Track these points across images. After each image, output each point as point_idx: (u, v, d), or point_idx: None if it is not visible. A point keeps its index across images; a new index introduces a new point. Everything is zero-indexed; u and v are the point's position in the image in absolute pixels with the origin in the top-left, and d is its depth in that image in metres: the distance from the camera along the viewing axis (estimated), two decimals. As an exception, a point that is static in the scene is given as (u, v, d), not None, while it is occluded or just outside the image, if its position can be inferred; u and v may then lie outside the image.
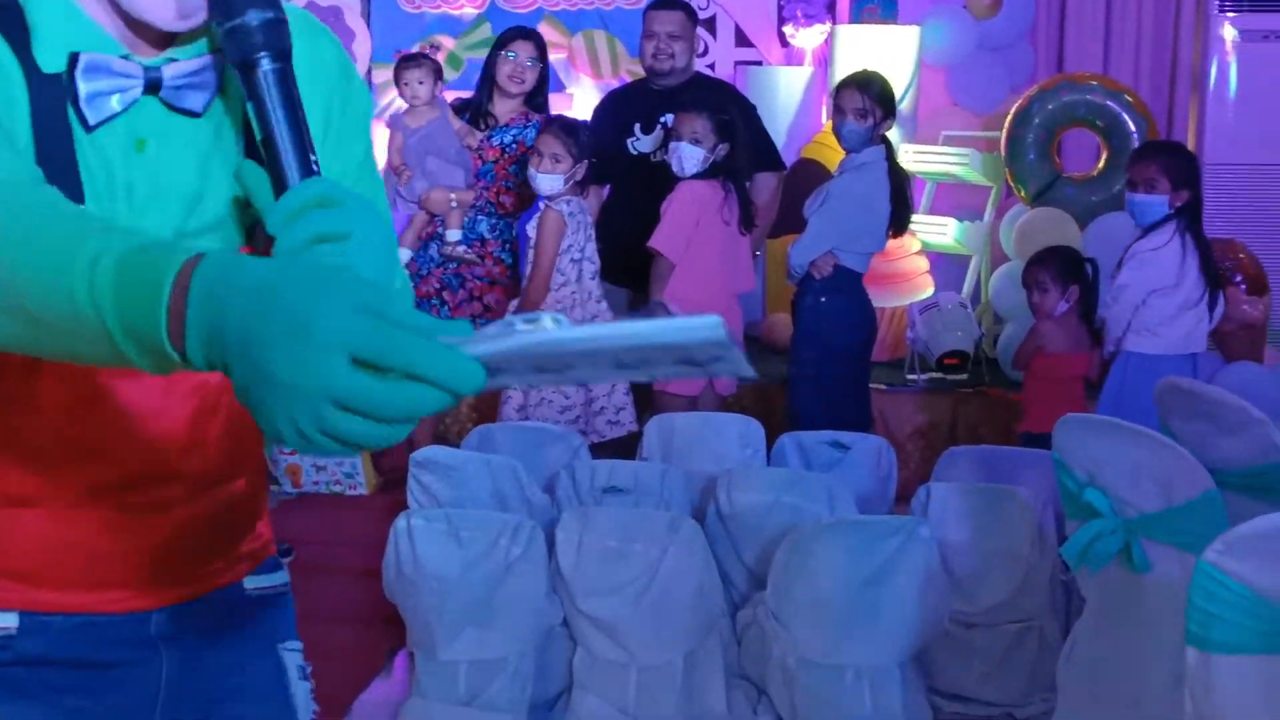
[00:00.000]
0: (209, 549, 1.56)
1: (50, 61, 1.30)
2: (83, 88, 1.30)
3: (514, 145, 5.81)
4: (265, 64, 1.27)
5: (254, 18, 1.26)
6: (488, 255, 5.85)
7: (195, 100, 1.35)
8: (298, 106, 1.29)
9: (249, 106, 1.30)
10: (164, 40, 1.35)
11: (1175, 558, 2.85)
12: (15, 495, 1.41)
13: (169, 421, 1.43)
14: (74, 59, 1.30)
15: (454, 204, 5.77)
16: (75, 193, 1.29)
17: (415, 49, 6.10)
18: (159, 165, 1.36)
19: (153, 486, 1.45)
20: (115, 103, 1.31)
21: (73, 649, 1.47)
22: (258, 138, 1.30)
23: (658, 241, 5.28)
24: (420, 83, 5.86)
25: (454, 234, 5.80)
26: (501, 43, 5.85)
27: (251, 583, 1.64)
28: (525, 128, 5.77)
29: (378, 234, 1.19)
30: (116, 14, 1.33)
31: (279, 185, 1.27)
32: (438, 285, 5.83)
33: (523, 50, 5.79)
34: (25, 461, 1.39)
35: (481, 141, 5.84)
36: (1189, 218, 4.89)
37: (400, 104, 6.27)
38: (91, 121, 1.31)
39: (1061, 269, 5.13)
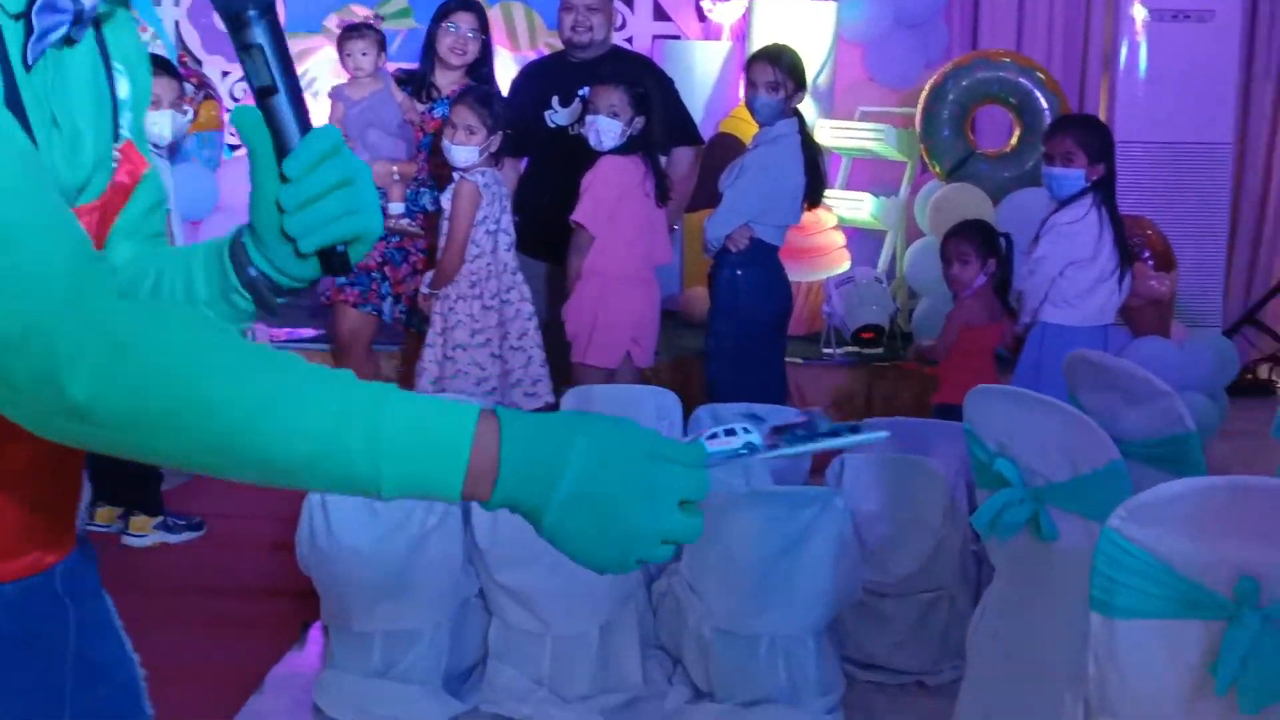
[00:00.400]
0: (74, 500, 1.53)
1: (14, 2, 1.26)
2: (36, 25, 1.26)
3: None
4: (255, 16, 1.30)
5: None
6: (431, 228, 5.82)
7: (80, 31, 1.32)
8: (288, 56, 1.33)
9: (241, 58, 1.32)
10: None
11: (1081, 526, 2.90)
12: None
13: None
14: None
15: (396, 176, 5.72)
16: (28, 134, 1.26)
17: (361, 19, 6.00)
18: (67, 98, 1.33)
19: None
20: (51, 39, 1.28)
21: (19, 607, 1.42)
22: (254, 87, 1.33)
23: (580, 215, 5.28)
24: (364, 54, 5.76)
25: (397, 207, 5.74)
26: (442, 14, 5.77)
27: None
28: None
29: (368, 177, 1.34)
30: None
31: (277, 133, 1.33)
32: (379, 259, 5.76)
33: (464, 22, 5.74)
34: None
35: (423, 114, 5.78)
36: (1104, 192, 4.96)
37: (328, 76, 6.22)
38: (30, 60, 1.27)
39: (982, 242, 5.19)
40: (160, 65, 5.21)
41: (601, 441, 1.20)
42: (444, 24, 5.75)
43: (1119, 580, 2.37)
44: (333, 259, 1.39)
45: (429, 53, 5.83)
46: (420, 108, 5.79)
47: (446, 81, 5.82)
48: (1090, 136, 4.98)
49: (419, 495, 1.19)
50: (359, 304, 5.74)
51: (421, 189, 5.80)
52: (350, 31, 5.85)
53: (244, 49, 1.32)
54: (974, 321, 5.19)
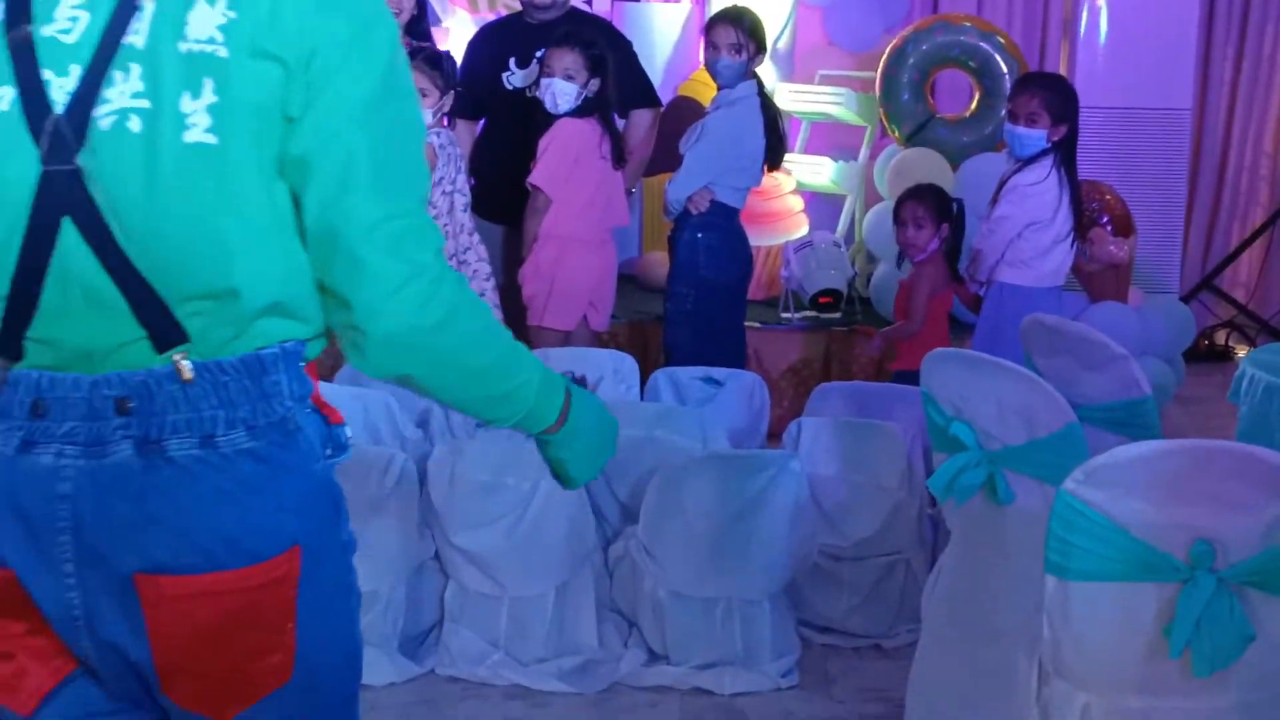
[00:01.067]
0: None
1: None
2: None
3: None
4: None
5: None
6: None
7: None
8: None
9: None
10: None
11: (1037, 489, 2.90)
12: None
13: None
14: None
15: None
16: None
17: None
18: None
19: None
20: None
21: None
22: None
23: (538, 178, 5.24)
24: None
25: None
26: None
27: None
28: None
29: None
30: None
31: None
32: None
33: None
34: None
35: None
36: (1064, 153, 4.95)
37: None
38: None
39: (936, 206, 5.18)
40: None
41: (604, 421, 1.98)
42: None
43: (1074, 543, 2.38)
44: None
45: None
46: None
47: None
48: (1056, 97, 4.96)
49: (529, 425, 1.87)
50: None
51: None
52: None
53: None
54: (936, 288, 5.18)
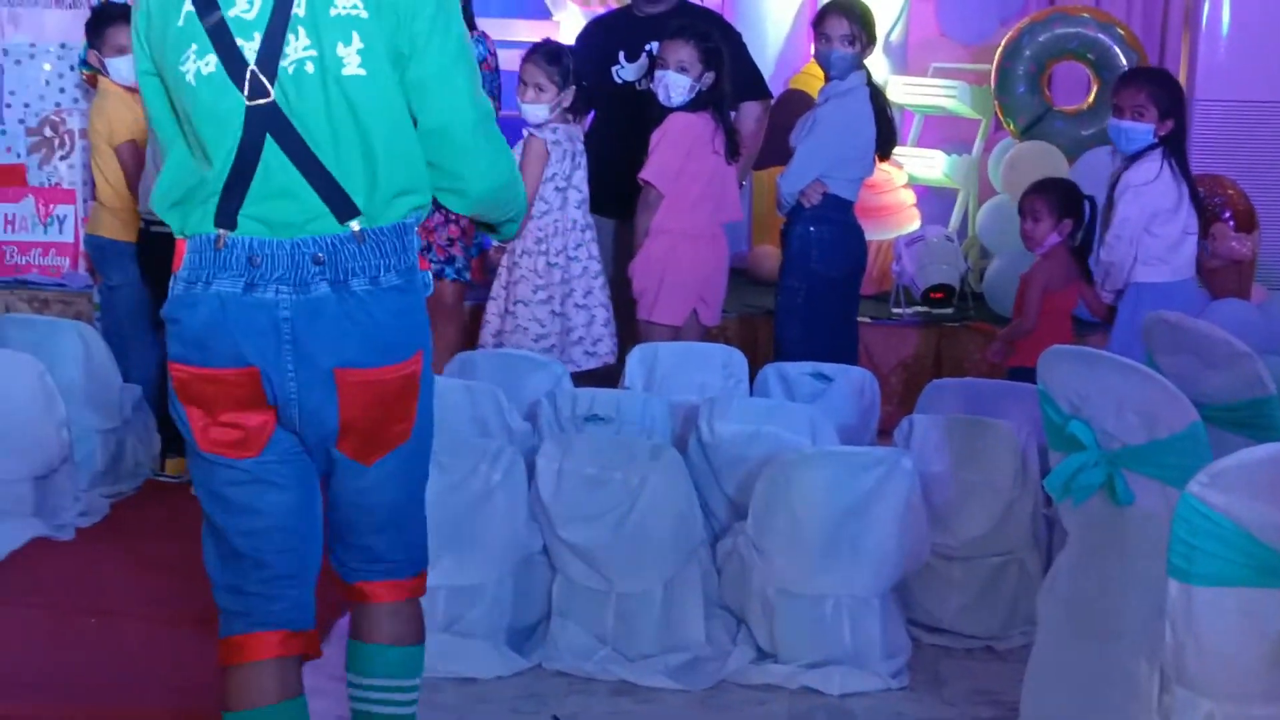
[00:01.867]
0: None
1: None
2: None
3: None
4: None
5: None
6: None
7: None
8: None
9: None
10: None
11: (1158, 490, 2.83)
12: None
13: None
14: None
15: None
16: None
17: None
18: None
19: None
20: None
21: None
22: None
23: (649, 173, 5.22)
24: None
25: None
26: None
27: None
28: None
29: None
30: None
31: None
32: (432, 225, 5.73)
33: None
34: None
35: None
36: (1173, 147, 4.84)
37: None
38: None
39: (1058, 200, 5.07)
40: None
41: None
42: None
43: (1198, 547, 2.32)
44: None
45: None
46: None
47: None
48: (1161, 90, 4.85)
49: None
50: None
51: None
52: None
53: None
54: (1051, 284, 5.08)
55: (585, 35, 6.19)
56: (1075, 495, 3.02)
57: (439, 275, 5.73)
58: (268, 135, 2.41)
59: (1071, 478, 3.00)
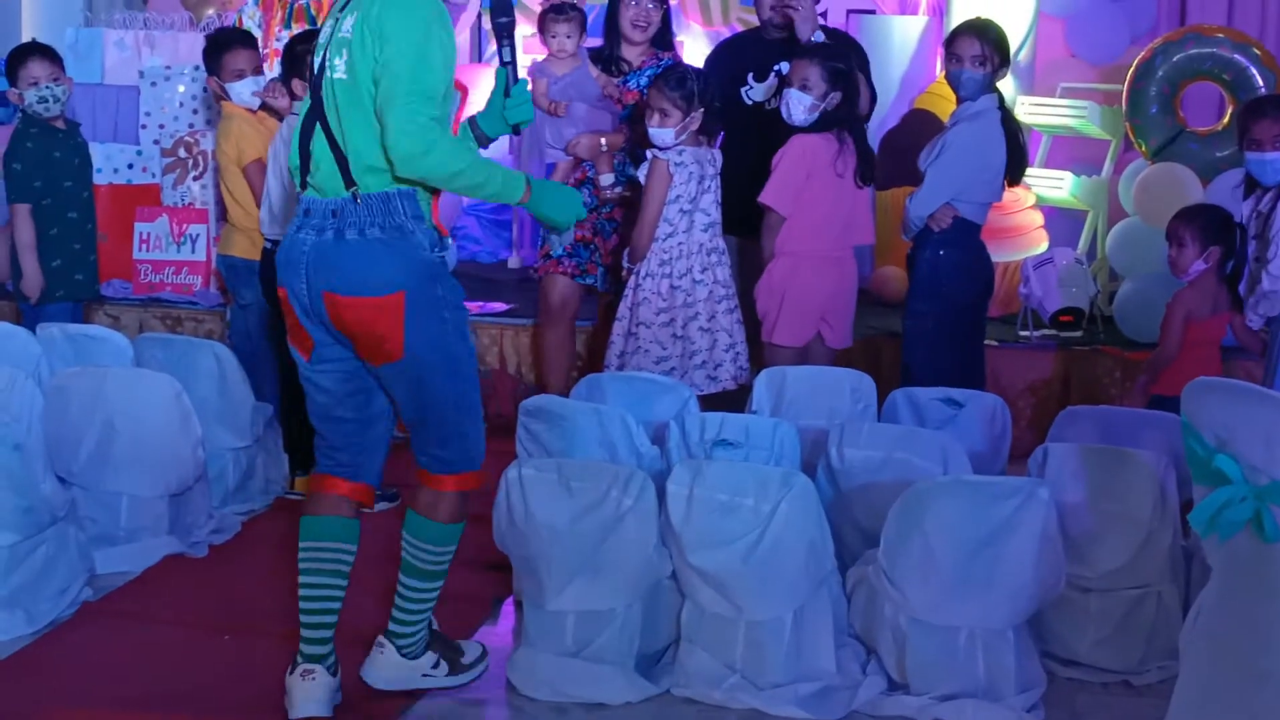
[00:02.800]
0: None
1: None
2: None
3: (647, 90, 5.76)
4: (505, 25, 3.71)
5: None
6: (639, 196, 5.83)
7: None
8: (514, 41, 3.71)
9: (499, 40, 3.73)
10: None
11: (1309, 528, 2.77)
12: (440, 197, 3.64)
13: None
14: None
15: (604, 147, 5.76)
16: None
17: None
18: None
19: None
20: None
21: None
22: (501, 59, 3.71)
23: (767, 196, 5.22)
24: (568, 36, 5.81)
25: (608, 177, 5.78)
26: None
27: None
28: (658, 69, 5.68)
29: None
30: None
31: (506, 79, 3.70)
32: (591, 231, 5.81)
33: None
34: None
35: (619, 87, 5.79)
36: None
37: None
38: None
39: (1204, 228, 4.95)
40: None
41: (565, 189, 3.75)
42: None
43: (1354, 589, 2.25)
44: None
45: (612, 27, 5.84)
46: (614, 81, 5.79)
47: (634, 54, 5.81)
48: None
49: (503, 200, 3.63)
50: (576, 275, 5.82)
51: (625, 157, 5.81)
52: (554, 13, 5.86)
53: (499, 39, 3.71)
54: (1196, 313, 4.97)
55: (715, 56, 6.21)
56: (1221, 531, 2.95)
57: (607, 290, 5.77)
58: (317, 123, 3.49)
59: (1218, 513, 2.94)
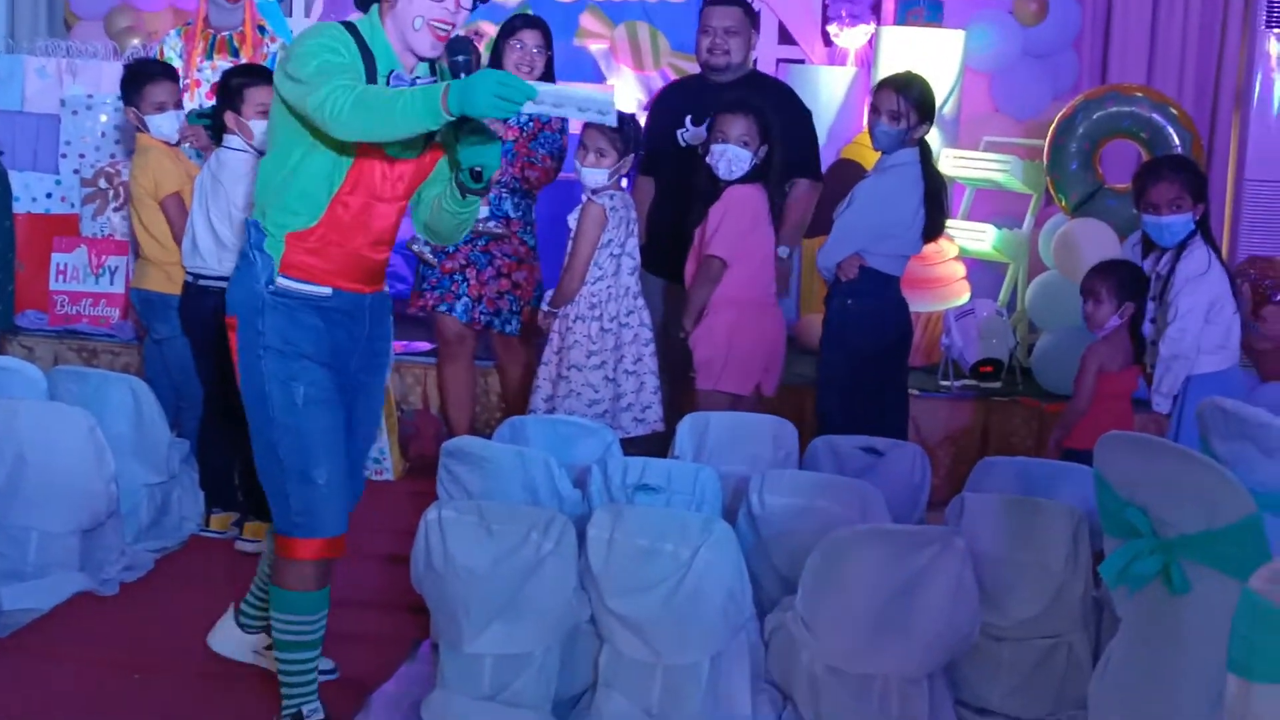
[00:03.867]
0: (382, 274, 3.62)
1: (380, 77, 3.35)
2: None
3: (530, 124, 5.81)
4: (465, 61, 3.35)
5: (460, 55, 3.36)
6: (513, 234, 5.87)
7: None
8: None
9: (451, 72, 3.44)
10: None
11: (1216, 581, 2.81)
12: (336, 242, 3.42)
13: (389, 221, 3.51)
14: (389, 75, 3.35)
15: None
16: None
17: (461, 32, 6.11)
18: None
19: (380, 245, 3.53)
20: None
21: (344, 304, 3.49)
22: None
23: (719, 249, 5.20)
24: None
25: (482, 210, 5.82)
26: (508, 31, 5.88)
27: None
28: None
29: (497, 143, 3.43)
30: (406, 53, 3.39)
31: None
32: (464, 262, 5.88)
33: (529, 39, 5.80)
34: (341, 231, 3.41)
35: (502, 123, 5.83)
36: (1204, 231, 4.85)
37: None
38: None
39: (1120, 283, 5.03)
40: (269, 75, 5.29)
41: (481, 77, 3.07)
42: (511, 40, 5.83)
43: (1259, 643, 2.29)
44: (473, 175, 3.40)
45: (496, 66, 5.86)
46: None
47: None
48: (1192, 177, 4.85)
49: (435, 118, 3.10)
50: (436, 305, 5.92)
51: (504, 194, 5.88)
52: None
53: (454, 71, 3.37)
54: (1108, 366, 5.05)
55: (659, 98, 6.28)
56: (1131, 583, 3.00)
57: (487, 325, 5.85)
58: None
59: (1127, 565, 2.98)
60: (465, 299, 5.91)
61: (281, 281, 3.41)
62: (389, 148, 3.35)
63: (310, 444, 3.44)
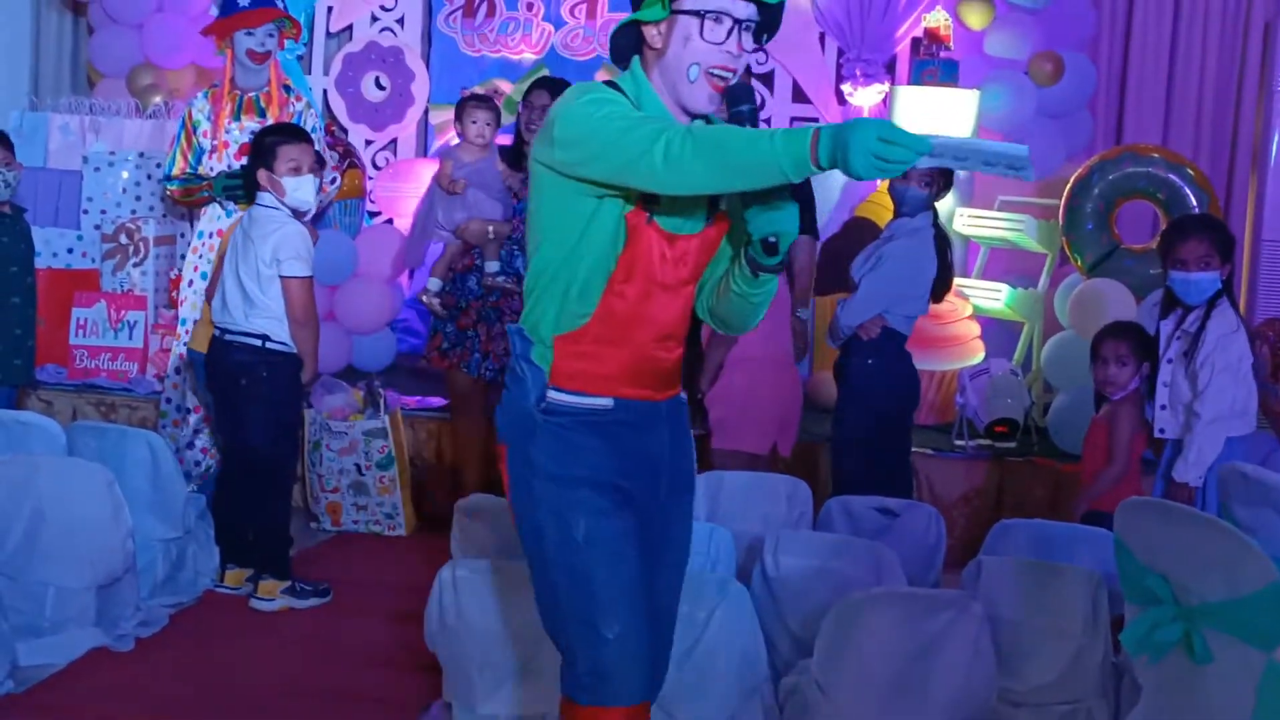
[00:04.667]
0: (675, 376, 2.99)
1: None
2: None
3: None
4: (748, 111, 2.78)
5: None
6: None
7: None
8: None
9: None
10: None
11: (1239, 650, 2.79)
12: (613, 341, 2.85)
13: (674, 312, 2.91)
14: None
15: (491, 235, 5.95)
16: None
17: (480, 90, 6.20)
18: None
19: (667, 341, 2.93)
20: None
21: (631, 416, 2.90)
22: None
23: None
24: (488, 125, 6.06)
25: (493, 265, 5.98)
26: (527, 94, 6.03)
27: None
28: None
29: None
30: (677, 108, 2.82)
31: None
32: (475, 318, 6.00)
33: (538, 100, 5.89)
34: (617, 327, 2.85)
35: (519, 181, 5.98)
36: (1228, 291, 4.83)
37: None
38: None
39: (1138, 344, 5.01)
40: (300, 134, 5.32)
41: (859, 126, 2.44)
42: (526, 100, 5.99)
43: (1284, 715, 2.28)
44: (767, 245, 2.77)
45: (518, 128, 6.06)
46: (517, 176, 6.00)
47: None
48: (1220, 236, 4.83)
49: (792, 168, 2.48)
50: (462, 363, 6.02)
51: (516, 251, 5.99)
52: (478, 101, 6.13)
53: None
54: (1136, 428, 5.01)
55: None
56: (1152, 652, 2.98)
57: (492, 381, 5.95)
58: None
59: (1148, 633, 2.97)
60: (476, 355, 5.99)
61: (554, 396, 2.83)
62: (667, 220, 2.80)
63: (595, 590, 2.82)
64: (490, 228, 5.94)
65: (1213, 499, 3.92)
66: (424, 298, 6.03)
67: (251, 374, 5.17)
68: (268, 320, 5.15)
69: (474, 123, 6.00)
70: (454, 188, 5.95)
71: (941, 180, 5.30)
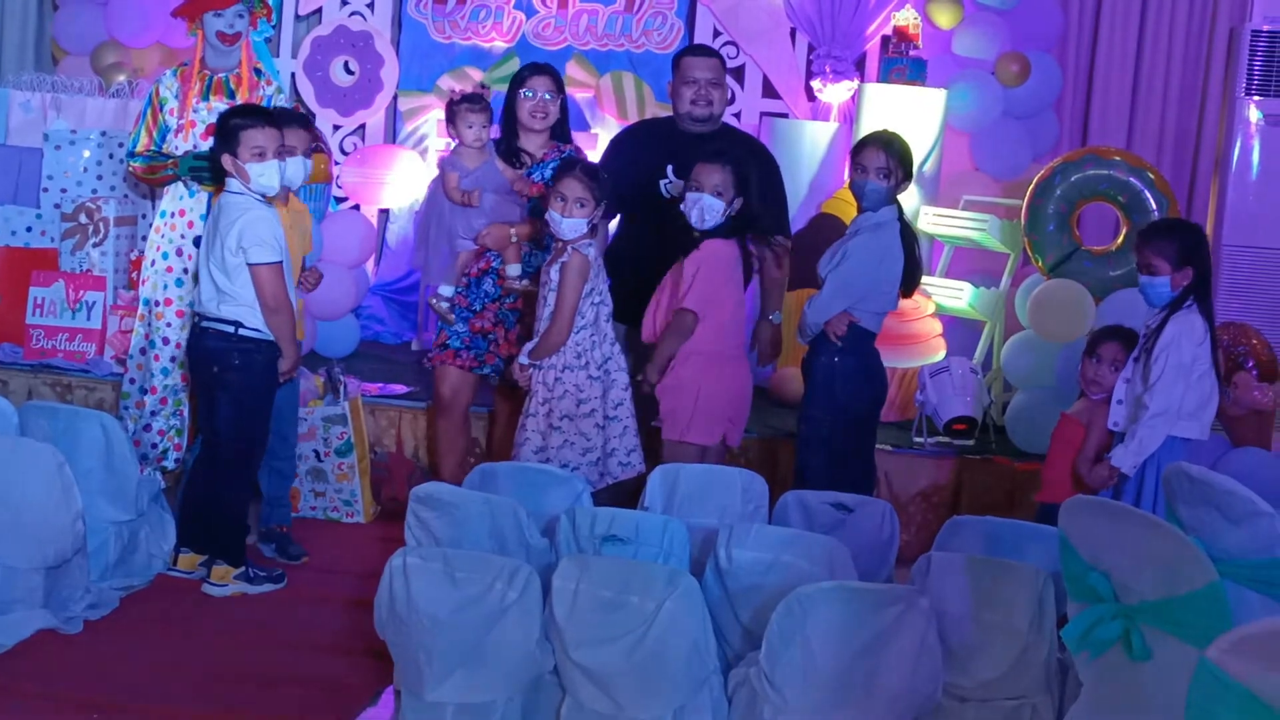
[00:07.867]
0: None
1: None
2: None
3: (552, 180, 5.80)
4: None
5: None
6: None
7: None
8: None
9: None
10: None
11: (1176, 647, 2.82)
12: None
13: None
14: None
15: (514, 238, 5.75)
16: None
17: (471, 89, 6.02)
18: None
19: None
20: None
21: None
22: None
23: (693, 303, 5.20)
24: (484, 126, 5.82)
25: (515, 268, 5.77)
26: (519, 81, 5.84)
27: None
28: (560, 160, 5.74)
29: None
30: None
31: None
32: (493, 320, 5.82)
33: (540, 86, 5.77)
34: None
35: (525, 180, 5.81)
36: (1200, 298, 4.83)
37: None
38: None
39: (1126, 346, 5.04)
40: (266, 117, 5.27)
41: None
42: (522, 90, 5.81)
43: (1215, 713, 2.29)
44: None
45: (510, 119, 5.87)
46: (519, 173, 5.81)
47: (534, 145, 5.84)
48: (1175, 242, 4.82)
49: None
50: (474, 367, 5.81)
51: (534, 251, 5.82)
52: (469, 103, 5.83)
53: None
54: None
55: (621, 142, 6.25)
56: (1092, 647, 3.01)
57: (513, 385, 5.70)
58: None
59: (1089, 630, 2.99)
60: (499, 359, 5.80)
61: None
62: None
63: None
64: (512, 231, 5.74)
65: (1155, 498, 3.95)
66: (433, 302, 5.87)
67: (223, 361, 5.15)
68: (239, 308, 5.12)
69: (470, 126, 5.78)
70: (470, 200, 5.74)
71: (900, 171, 5.30)
